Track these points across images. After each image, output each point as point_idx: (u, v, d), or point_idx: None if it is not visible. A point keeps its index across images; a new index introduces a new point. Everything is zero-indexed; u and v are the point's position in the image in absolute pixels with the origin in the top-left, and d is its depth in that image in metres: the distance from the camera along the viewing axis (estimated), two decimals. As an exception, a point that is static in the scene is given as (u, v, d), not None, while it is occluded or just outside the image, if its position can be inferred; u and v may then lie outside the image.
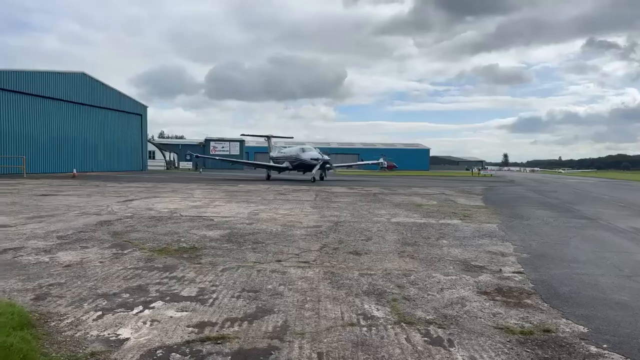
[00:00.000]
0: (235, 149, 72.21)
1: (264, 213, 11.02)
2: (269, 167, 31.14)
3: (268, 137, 37.51)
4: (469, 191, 22.35)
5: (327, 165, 27.95)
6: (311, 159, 27.49)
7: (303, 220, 9.90)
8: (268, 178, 30.10)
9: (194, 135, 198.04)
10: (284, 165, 29.95)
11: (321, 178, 27.52)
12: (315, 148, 29.47)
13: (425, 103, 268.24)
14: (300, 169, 30.17)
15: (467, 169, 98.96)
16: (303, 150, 28.65)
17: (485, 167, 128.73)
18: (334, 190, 20.78)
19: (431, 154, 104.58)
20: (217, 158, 34.74)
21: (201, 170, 47.75)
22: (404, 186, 25.73)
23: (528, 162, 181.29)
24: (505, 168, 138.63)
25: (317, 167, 27.57)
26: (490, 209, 13.44)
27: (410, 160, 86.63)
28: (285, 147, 39.33)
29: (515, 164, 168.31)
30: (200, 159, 51.33)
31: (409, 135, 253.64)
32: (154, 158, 58.91)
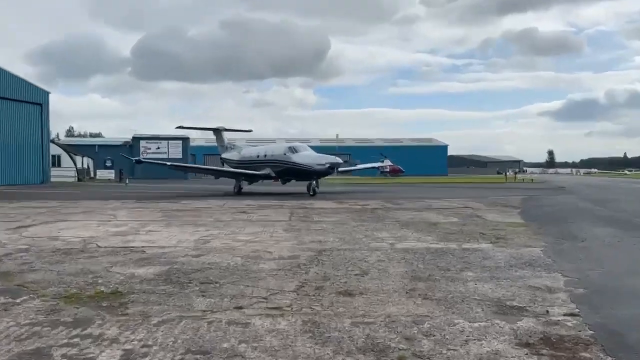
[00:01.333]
0: (175, 150, 71.91)
1: (217, 240, 10.99)
2: (240, 176, 30.42)
3: (218, 131, 37.23)
4: (503, 203, 22.64)
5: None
6: (317, 164, 26.70)
7: (273, 248, 9.91)
8: (238, 192, 29.62)
9: (116, 131, 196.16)
10: (262, 172, 29.60)
11: (314, 191, 26.90)
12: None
13: (439, 83, 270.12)
14: (286, 178, 30.12)
15: (499, 172, 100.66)
16: (294, 150, 28.07)
17: (524, 169, 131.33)
18: (315, 205, 20.88)
19: (450, 153, 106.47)
20: (168, 164, 34.17)
21: (127, 181, 47.19)
22: (413, 198, 25.97)
23: (582, 161, 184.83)
24: (551, 170, 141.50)
25: (319, 175, 27.22)
26: (532, 227, 13.64)
27: (422, 162, 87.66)
28: (250, 146, 39.49)
29: (564, 165, 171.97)
30: (140, 165, 51.33)
31: (419, 127, 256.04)
32: (59, 165, 58.07)
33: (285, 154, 28.15)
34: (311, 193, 26.51)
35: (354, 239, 11.22)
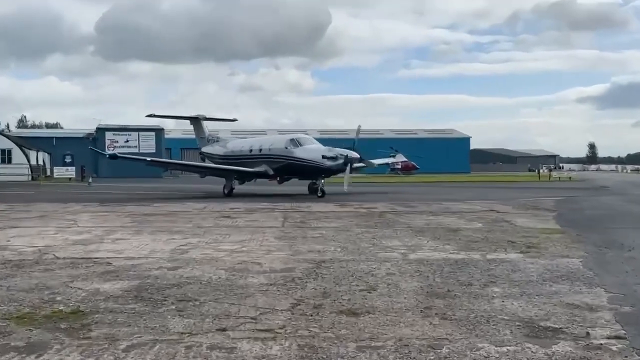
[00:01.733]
0: (147, 144, 71.95)
1: (197, 250, 11.01)
2: (233, 174, 29.89)
3: (197, 120, 37.03)
4: (534, 205, 22.69)
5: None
6: (324, 157, 26.20)
7: (263, 260, 9.93)
8: (229, 193, 29.25)
9: (77, 121, 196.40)
10: (257, 169, 29.42)
11: (322, 192, 26.80)
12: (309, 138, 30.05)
13: (460, 64, 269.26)
14: (287, 176, 30.10)
15: (530, 170, 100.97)
16: (297, 143, 27.77)
17: (560, 165, 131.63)
18: (313, 208, 20.95)
19: (472, 146, 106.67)
20: (148, 160, 33.78)
21: (90, 180, 47.23)
22: (429, 199, 26.02)
23: (629, 156, 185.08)
24: (593, 167, 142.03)
25: (328, 173, 27.23)
26: (569, 233, 13.69)
27: (440, 157, 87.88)
28: (237, 139, 39.13)
29: (607, 160, 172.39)
30: (106, 162, 52.87)
31: (436, 116, 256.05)
32: (9, 162, 58.15)
33: (286, 148, 27.68)
34: (319, 194, 26.38)
35: (359, 249, 11.25)
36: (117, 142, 71.34)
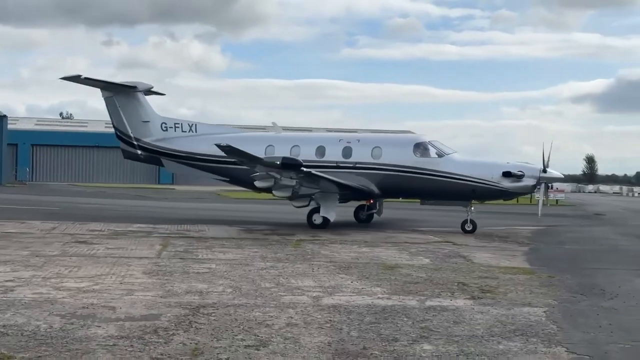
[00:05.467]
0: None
1: (28, 288, 10.83)
2: (336, 188, 26.69)
3: (128, 93, 32.59)
4: (504, 236, 23.33)
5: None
6: (505, 174, 25.12)
7: (120, 302, 9.84)
8: (324, 224, 25.79)
9: None
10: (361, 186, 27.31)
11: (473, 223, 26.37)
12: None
13: (422, 44, 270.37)
14: (405, 197, 29.79)
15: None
16: (433, 150, 26.03)
17: (550, 185, 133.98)
18: (208, 234, 20.87)
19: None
20: (223, 145, 29.70)
21: None
22: (366, 224, 26.19)
23: (638, 174, 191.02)
24: (591, 187, 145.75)
25: (502, 198, 26.64)
26: (539, 274, 14.08)
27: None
28: (192, 124, 35.59)
29: (610, 179, 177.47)
30: None
31: (389, 112, 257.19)
32: None
33: (416, 156, 26.10)
34: (468, 228, 25.68)
35: (257, 289, 11.26)
36: None
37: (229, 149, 23.24)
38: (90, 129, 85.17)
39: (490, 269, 14.69)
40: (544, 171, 24.83)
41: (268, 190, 25.73)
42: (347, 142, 27.01)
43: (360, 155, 26.21)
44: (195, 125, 30.43)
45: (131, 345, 7.54)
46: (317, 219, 24.92)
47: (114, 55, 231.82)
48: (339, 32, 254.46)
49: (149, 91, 31.01)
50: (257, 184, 24.03)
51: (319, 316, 9.34)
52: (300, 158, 25.44)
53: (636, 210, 49.12)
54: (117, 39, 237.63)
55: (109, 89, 29.91)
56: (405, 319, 9.32)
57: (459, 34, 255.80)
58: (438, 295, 11.30)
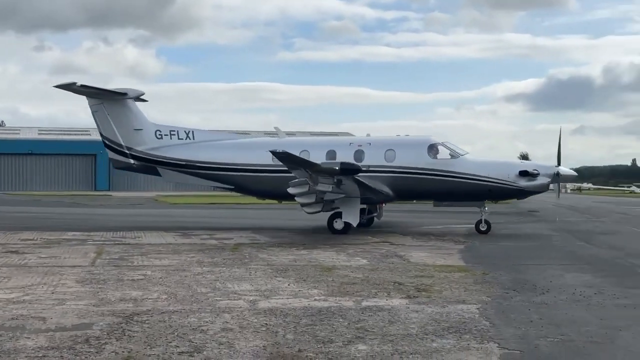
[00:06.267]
0: None
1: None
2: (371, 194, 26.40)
3: (115, 100, 31.33)
4: (441, 235, 23.58)
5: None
6: (522, 173, 25.42)
7: (51, 312, 9.70)
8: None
9: None
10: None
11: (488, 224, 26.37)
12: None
13: (358, 47, 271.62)
14: (417, 198, 29.38)
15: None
16: (450, 151, 26.29)
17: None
18: (143, 240, 20.72)
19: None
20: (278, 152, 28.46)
21: None
22: (303, 228, 26.28)
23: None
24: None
25: (517, 197, 27.00)
26: (474, 271, 14.32)
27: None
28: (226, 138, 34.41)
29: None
30: None
31: (326, 113, 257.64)
32: None
33: (430, 157, 26.07)
34: (483, 228, 25.82)
35: (192, 295, 11.22)
36: None
37: (284, 156, 22.52)
38: (22, 136, 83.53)
39: (426, 267, 14.85)
40: (558, 169, 25.14)
41: (288, 197, 25.51)
42: (359, 146, 26.73)
43: (373, 158, 25.79)
44: (193, 132, 29.44)
45: (61, 356, 7.43)
46: (338, 225, 24.39)
47: (47, 61, 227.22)
48: (275, 34, 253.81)
49: (137, 98, 29.59)
50: (291, 190, 23.32)
51: (255, 320, 9.33)
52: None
53: (568, 205, 49.89)
54: (49, 44, 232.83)
55: (97, 96, 28.50)
56: (341, 320, 9.36)
57: (394, 36, 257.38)
58: (374, 295, 11.38)
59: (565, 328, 9.08)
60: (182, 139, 28.87)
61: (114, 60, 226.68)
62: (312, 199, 23.58)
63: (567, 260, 16.72)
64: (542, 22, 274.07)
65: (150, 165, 28.46)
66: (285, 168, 24.69)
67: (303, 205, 24.08)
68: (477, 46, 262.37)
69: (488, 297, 11.22)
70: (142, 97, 29.51)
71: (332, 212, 24.60)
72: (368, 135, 28.76)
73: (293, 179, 24.03)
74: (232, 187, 28.04)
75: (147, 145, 28.34)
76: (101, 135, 29.02)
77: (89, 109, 28.70)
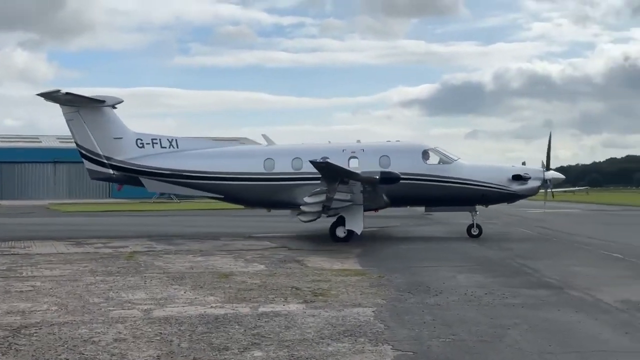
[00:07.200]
0: None
1: None
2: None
3: (92, 106, 29.61)
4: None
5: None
6: (515, 177, 25.83)
7: None
8: (347, 237, 24.47)
9: None
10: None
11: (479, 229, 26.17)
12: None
13: (256, 51, 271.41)
14: (412, 204, 28.81)
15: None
16: (438, 156, 26.24)
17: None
18: (33, 250, 20.33)
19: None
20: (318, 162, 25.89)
21: None
22: (202, 234, 26.22)
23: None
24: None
25: (508, 201, 26.98)
26: (370, 275, 14.50)
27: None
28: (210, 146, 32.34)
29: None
30: None
31: (225, 118, 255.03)
32: None
33: (427, 163, 26.08)
34: (475, 233, 25.95)
35: (84, 306, 11.00)
36: None
37: (325, 165, 21.89)
38: None
39: (323, 272, 14.97)
40: (546, 173, 25.56)
41: (278, 205, 26.19)
42: (352, 152, 26.52)
43: (368, 165, 25.02)
44: (176, 140, 28.44)
45: (-58, 373, 7.17)
46: (340, 232, 23.91)
47: None
48: (171, 39, 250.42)
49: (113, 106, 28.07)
50: (309, 199, 22.78)
51: (149, 329, 9.21)
52: (302, 170, 25.45)
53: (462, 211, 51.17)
54: None
55: (72, 103, 27.15)
56: (237, 326, 9.35)
57: (291, 41, 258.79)
58: (271, 301, 11.39)
59: (456, 328, 9.31)
60: (165, 147, 27.99)
61: (2, 64, 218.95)
62: (318, 208, 23.19)
63: (460, 262, 17.12)
64: (434, 30, 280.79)
65: (131, 176, 27.49)
66: (278, 177, 25.52)
67: (304, 214, 23.67)
68: (372, 52, 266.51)
69: (383, 300, 11.37)
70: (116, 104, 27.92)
71: (334, 220, 24.38)
72: (358, 141, 28.53)
73: (287, 188, 24.99)
74: (222, 196, 27.44)
75: (127, 154, 27.34)
76: (77, 145, 27.76)
77: (63, 117, 27.44)
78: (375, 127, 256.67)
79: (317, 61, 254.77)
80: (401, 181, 24.18)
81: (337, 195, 22.35)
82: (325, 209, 23.40)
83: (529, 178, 25.45)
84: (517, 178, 25.42)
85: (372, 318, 9.89)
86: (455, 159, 26.20)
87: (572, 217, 39.02)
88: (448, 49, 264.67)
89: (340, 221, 23.91)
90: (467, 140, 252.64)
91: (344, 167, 22.36)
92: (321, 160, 22.13)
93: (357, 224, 23.70)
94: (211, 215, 40.88)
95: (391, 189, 24.31)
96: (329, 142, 29.58)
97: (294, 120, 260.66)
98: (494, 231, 27.92)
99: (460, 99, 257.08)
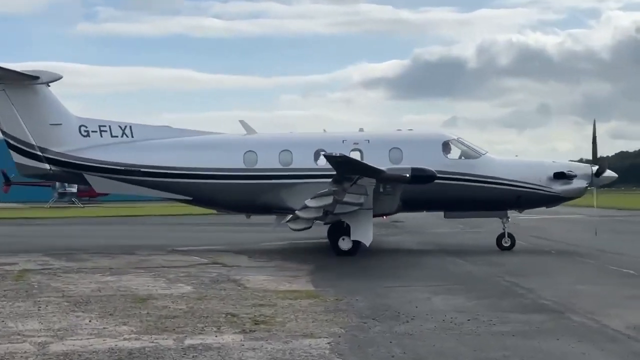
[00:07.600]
0: None
1: None
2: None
3: (22, 84, 29.01)
4: (285, 253, 23.95)
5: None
6: (556, 176, 25.58)
7: None
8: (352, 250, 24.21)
9: None
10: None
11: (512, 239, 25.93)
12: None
13: (180, 18, 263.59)
14: (429, 209, 28.53)
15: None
16: (462, 150, 26.17)
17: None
18: None
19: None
20: (333, 155, 24.78)
21: None
22: (115, 247, 26.11)
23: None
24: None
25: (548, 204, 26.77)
26: (325, 297, 14.39)
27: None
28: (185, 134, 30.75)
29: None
30: None
31: (144, 101, 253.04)
32: None
33: (445, 155, 25.96)
34: (506, 244, 25.69)
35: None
36: None
37: (342, 160, 21.23)
38: None
39: (266, 294, 14.79)
40: (598, 171, 25.31)
41: (260, 210, 25.86)
42: (355, 144, 25.92)
43: (374, 159, 23.81)
44: (130, 127, 27.67)
45: None
46: (345, 245, 23.30)
47: None
48: (73, 2, 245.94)
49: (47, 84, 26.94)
50: (312, 202, 22.06)
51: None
52: (292, 166, 25.19)
53: (435, 214, 51.16)
54: None
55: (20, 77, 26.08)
56: (152, 370, 9.19)
57: (224, 5, 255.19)
58: (201, 331, 11.19)
59: (430, 364, 9.24)
60: (116, 136, 27.31)
61: None
62: (318, 213, 22.67)
63: (436, 280, 17.10)
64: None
65: (74, 172, 26.84)
66: (261, 174, 25.15)
67: (297, 220, 23.33)
68: (327, 20, 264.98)
69: (341, 329, 11.20)
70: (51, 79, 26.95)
71: (336, 229, 23.97)
72: (361, 130, 28.18)
73: (273, 188, 24.75)
74: (190, 198, 26.85)
75: (68, 145, 26.63)
76: (2, 132, 26.72)
77: None
78: (331, 112, 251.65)
79: (257, 30, 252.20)
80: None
81: (347, 198, 21.84)
82: (325, 214, 22.84)
83: (574, 176, 25.23)
84: (559, 176, 25.21)
85: (327, 351, 9.74)
86: (483, 152, 26.03)
87: (573, 224, 39.36)
88: (420, 16, 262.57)
89: (341, 229, 23.49)
90: (444, 129, 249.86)
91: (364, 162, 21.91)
92: (339, 154, 21.33)
93: (365, 233, 23.27)
94: (125, 224, 40.65)
95: (406, 190, 23.70)
96: (324, 130, 28.95)
97: (228, 104, 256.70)
98: (478, 242, 27.98)
99: (435, 79, 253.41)
